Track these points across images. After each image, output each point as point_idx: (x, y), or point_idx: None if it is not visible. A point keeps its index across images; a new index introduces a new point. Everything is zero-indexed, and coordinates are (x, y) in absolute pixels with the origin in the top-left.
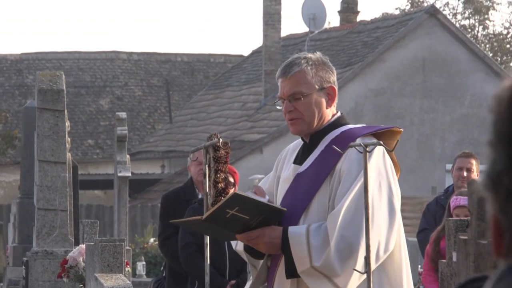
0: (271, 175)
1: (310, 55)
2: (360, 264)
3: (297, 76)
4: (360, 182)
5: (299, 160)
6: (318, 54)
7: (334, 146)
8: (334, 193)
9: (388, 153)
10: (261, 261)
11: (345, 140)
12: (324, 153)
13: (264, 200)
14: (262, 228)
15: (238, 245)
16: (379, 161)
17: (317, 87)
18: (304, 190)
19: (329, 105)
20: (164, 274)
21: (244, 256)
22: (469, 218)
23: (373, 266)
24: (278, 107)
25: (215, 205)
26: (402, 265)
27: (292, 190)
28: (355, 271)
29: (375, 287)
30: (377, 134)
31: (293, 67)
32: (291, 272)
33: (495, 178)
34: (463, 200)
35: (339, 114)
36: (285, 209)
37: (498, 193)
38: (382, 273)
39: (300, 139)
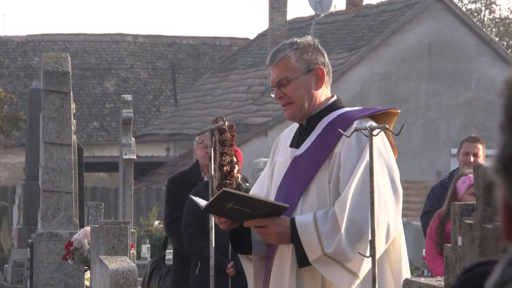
0: (268, 162)
1: (296, 39)
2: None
3: (282, 62)
4: (363, 165)
5: (295, 144)
6: (308, 37)
7: (341, 130)
8: (336, 177)
9: (385, 134)
10: (251, 257)
11: (343, 123)
12: (321, 136)
13: (260, 196)
14: (273, 217)
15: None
16: (379, 142)
17: (302, 70)
18: (302, 173)
19: (318, 86)
20: (161, 257)
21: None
22: (475, 202)
23: (385, 246)
24: (272, 95)
25: (211, 199)
26: (402, 247)
27: (290, 173)
28: (366, 255)
29: (377, 269)
30: (374, 116)
31: (277, 54)
32: (303, 262)
33: (507, 162)
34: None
35: (335, 97)
36: (287, 205)
37: (510, 177)
38: (384, 255)
39: (295, 122)
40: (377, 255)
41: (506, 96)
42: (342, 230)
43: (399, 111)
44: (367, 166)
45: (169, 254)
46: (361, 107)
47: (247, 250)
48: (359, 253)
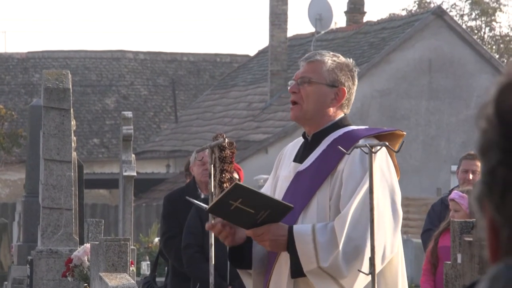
0: (271, 175)
1: (340, 55)
2: (366, 265)
3: (315, 63)
4: (366, 183)
5: (299, 159)
6: (350, 60)
7: (340, 147)
8: (337, 194)
9: (390, 155)
10: (250, 271)
11: (348, 141)
12: (325, 152)
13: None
14: (268, 225)
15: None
16: (383, 162)
17: (327, 81)
18: (305, 188)
19: (333, 104)
20: (152, 277)
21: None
22: (473, 219)
23: (380, 266)
24: (288, 87)
25: (219, 195)
26: (399, 267)
27: (292, 188)
28: (360, 273)
29: None
30: (380, 136)
31: (316, 55)
32: (297, 272)
33: (489, 178)
34: (454, 194)
35: (342, 114)
36: (291, 205)
37: (493, 192)
38: (380, 275)
39: (301, 137)
40: (369, 277)
41: (487, 119)
42: (340, 247)
43: (405, 133)
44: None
45: (159, 275)
46: (367, 127)
47: (247, 265)
48: (359, 270)
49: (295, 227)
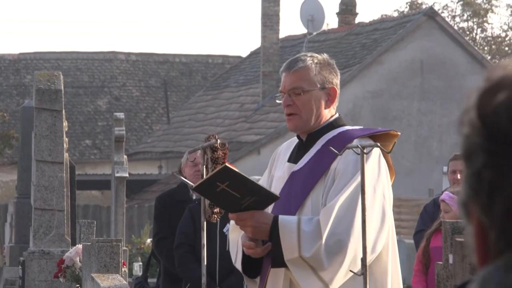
0: (266, 174)
1: (316, 54)
2: (348, 261)
3: (301, 71)
4: (356, 182)
5: (293, 159)
6: (325, 55)
7: (331, 148)
8: (327, 191)
9: (384, 156)
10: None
11: (342, 141)
12: (320, 152)
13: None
14: (253, 211)
15: (237, 263)
16: (375, 164)
17: (318, 85)
18: (299, 188)
19: (328, 105)
20: (145, 278)
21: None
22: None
23: (360, 265)
24: (278, 101)
25: (208, 175)
26: (388, 266)
27: (287, 188)
28: (341, 267)
29: (356, 284)
30: (374, 136)
31: (297, 63)
32: (278, 261)
33: (475, 181)
34: (445, 195)
35: (337, 115)
36: (278, 195)
37: (480, 195)
38: (369, 273)
39: (295, 137)
40: (351, 273)
41: (470, 124)
42: (323, 240)
43: (399, 133)
44: (359, 184)
45: (151, 276)
46: (361, 127)
47: (258, 275)
48: (351, 271)
49: (281, 216)
